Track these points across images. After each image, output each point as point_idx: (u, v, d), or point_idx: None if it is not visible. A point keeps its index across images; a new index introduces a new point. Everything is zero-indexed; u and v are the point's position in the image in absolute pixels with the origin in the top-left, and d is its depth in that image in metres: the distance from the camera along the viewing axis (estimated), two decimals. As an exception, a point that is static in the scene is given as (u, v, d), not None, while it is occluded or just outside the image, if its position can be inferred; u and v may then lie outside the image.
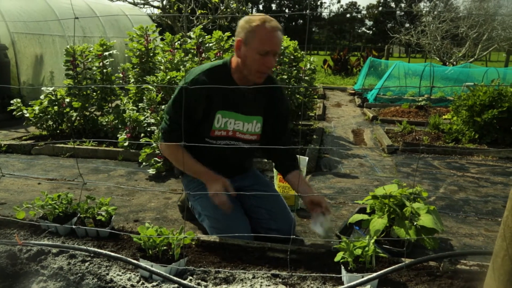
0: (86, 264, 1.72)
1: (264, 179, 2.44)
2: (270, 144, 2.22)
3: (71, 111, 4.58)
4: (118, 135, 4.13)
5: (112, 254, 1.72)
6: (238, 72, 2.04)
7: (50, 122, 4.62)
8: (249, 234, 2.04)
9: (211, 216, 2.11)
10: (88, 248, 1.78)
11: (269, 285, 1.60)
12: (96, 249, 1.76)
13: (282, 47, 4.45)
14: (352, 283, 1.54)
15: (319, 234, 2.00)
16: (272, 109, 2.19)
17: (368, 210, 2.21)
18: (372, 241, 1.64)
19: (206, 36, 4.36)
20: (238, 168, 2.31)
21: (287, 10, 62.85)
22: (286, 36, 5.03)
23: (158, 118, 3.85)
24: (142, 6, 10.83)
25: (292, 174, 2.18)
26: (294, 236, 1.80)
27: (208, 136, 2.10)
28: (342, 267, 1.63)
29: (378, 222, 1.97)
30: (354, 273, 1.57)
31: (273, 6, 65.68)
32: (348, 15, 60.44)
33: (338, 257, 1.64)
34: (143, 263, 1.63)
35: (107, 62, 4.75)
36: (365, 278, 1.53)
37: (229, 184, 2.02)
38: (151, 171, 3.48)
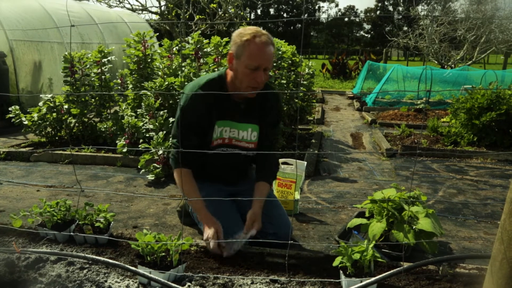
0: (85, 271, 1.71)
1: None
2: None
3: (69, 118, 4.59)
4: (117, 141, 4.13)
5: (110, 261, 1.72)
6: (232, 84, 2.07)
7: (49, 129, 4.63)
8: (246, 240, 2.04)
9: None
10: (86, 255, 1.78)
11: (268, 291, 1.60)
12: (94, 256, 1.76)
13: (280, 52, 4.45)
14: (351, 288, 1.53)
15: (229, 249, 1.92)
16: (265, 117, 2.21)
17: (367, 214, 2.21)
18: (371, 245, 1.64)
19: (204, 42, 4.36)
20: (239, 175, 2.35)
21: (285, 15, 63.06)
22: (284, 40, 5.05)
23: (157, 124, 3.85)
24: (140, 12, 10.88)
25: (258, 183, 2.18)
26: (292, 242, 1.80)
27: (209, 148, 2.14)
28: (341, 272, 1.62)
29: (377, 226, 1.97)
30: (353, 278, 1.57)
31: (271, 10, 65.98)
32: (346, 19, 60.64)
33: (337, 262, 1.64)
34: (141, 269, 1.63)
35: (105, 68, 4.76)
36: (363, 283, 1.53)
37: (221, 231, 1.96)
38: (150, 177, 3.48)
